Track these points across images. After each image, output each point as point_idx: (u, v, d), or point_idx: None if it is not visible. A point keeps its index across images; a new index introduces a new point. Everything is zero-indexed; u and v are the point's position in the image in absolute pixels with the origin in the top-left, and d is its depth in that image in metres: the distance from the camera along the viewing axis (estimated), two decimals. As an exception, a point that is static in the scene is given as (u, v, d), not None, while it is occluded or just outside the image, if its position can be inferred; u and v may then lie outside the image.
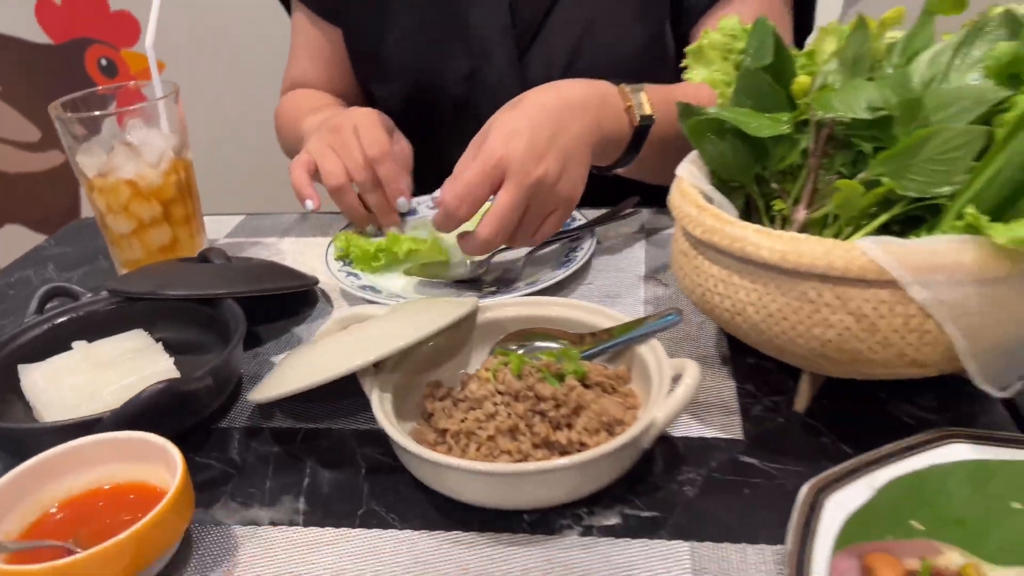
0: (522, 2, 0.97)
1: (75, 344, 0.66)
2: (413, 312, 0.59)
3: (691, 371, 0.52)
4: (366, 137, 0.83)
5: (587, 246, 0.79)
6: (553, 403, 0.53)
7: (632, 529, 0.50)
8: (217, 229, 0.96)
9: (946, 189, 0.51)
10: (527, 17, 0.97)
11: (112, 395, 0.60)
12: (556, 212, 0.73)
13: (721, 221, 0.54)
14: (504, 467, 0.48)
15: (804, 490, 0.48)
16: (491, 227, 0.69)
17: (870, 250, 0.48)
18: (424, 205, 0.92)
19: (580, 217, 0.85)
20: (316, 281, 0.78)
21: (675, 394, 0.51)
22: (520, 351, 0.61)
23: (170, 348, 0.66)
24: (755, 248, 0.51)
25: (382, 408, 0.54)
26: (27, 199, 1.95)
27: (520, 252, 0.80)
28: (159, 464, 0.51)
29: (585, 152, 0.73)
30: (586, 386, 0.56)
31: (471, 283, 0.78)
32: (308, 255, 0.88)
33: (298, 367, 0.58)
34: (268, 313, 0.76)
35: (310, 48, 1.12)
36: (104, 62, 1.80)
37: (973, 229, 0.47)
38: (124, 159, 0.77)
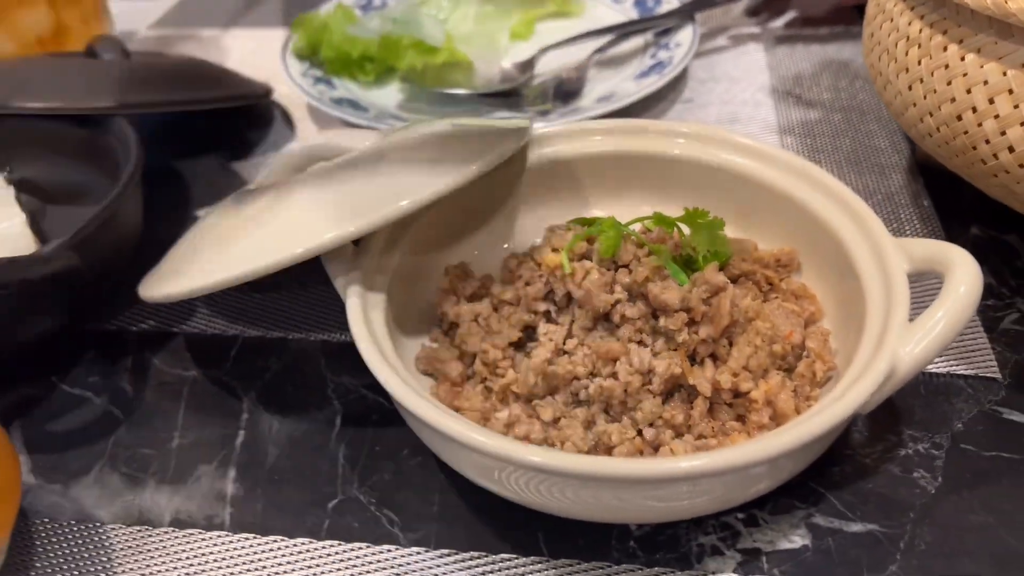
0: None
1: None
2: (421, 145, 0.34)
3: (962, 269, 0.27)
4: None
5: (686, 43, 0.52)
6: (684, 317, 0.29)
7: (833, 558, 0.27)
8: (133, 15, 0.68)
9: None
10: None
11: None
12: None
13: (1036, -31, 0.27)
14: (602, 465, 0.24)
15: None
16: None
17: None
18: None
19: (669, -1, 0.56)
20: (268, 92, 0.51)
21: (935, 319, 0.26)
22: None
23: (34, 194, 0.42)
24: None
25: (368, 327, 0.29)
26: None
27: (583, 51, 0.53)
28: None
29: None
30: (731, 281, 0.32)
31: (506, 98, 0.51)
32: (264, 55, 0.61)
33: (223, 242, 0.33)
34: (192, 144, 0.50)
35: None
36: None
37: None
38: None
